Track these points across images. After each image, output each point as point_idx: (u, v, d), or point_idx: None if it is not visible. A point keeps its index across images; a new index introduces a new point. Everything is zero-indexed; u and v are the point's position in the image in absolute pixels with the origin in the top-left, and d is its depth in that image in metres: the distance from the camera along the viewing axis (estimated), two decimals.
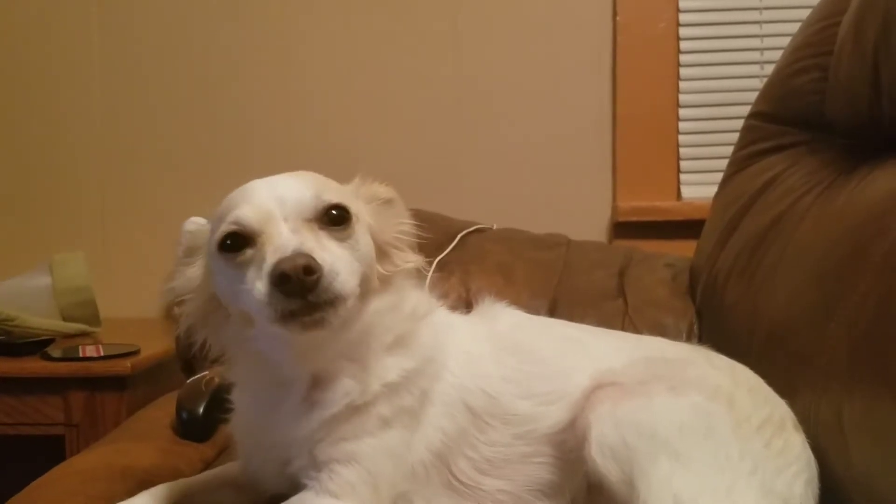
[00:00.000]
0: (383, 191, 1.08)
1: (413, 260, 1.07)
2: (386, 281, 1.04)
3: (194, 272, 1.04)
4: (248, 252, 0.92)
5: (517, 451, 1.06)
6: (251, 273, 0.91)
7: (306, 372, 1.01)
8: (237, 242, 0.93)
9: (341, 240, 0.95)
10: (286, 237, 0.90)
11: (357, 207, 1.00)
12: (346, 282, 0.90)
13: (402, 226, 1.07)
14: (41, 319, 2.07)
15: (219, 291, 0.99)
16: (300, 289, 0.86)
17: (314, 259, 0.87)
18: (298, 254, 0.87)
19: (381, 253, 1.04)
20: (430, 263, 1.15)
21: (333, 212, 0.95)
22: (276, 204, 0.94)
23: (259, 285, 0.88)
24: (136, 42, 2.54)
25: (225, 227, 0.94)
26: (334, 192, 0.98)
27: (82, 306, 2.19)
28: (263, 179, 0.99)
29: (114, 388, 1.85)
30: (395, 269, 1.05)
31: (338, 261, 0.91)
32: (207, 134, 2.52)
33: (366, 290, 0.99)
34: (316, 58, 2.50)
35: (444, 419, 1.05)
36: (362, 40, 2.49)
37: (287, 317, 0.88)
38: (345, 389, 1.00)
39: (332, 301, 0.89)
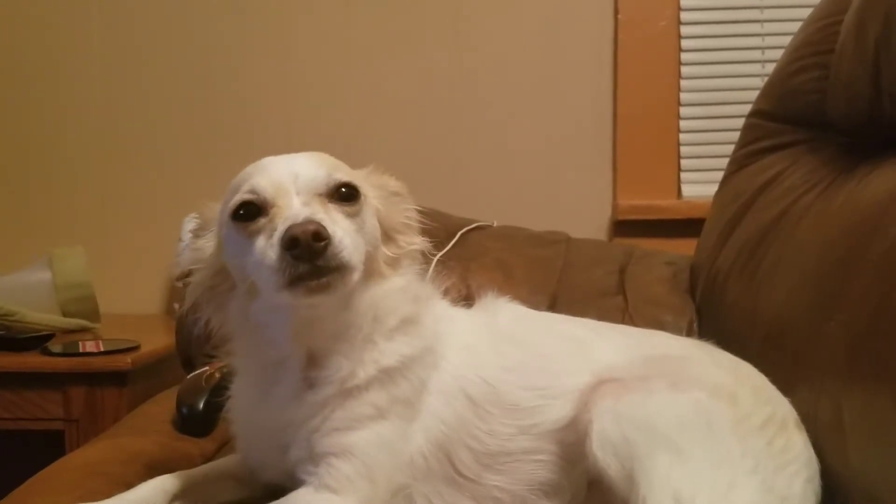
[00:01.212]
0: (393, 183, 1.11)
1: (417, 242, 1.10)
2: (391, 265, 1.07)
3: (205, 244, 1.07)
4: (261, 221, 0.96)
5: (520, 444, 1.06)
6: (261, 241, 0.94)
7: (303, 350, 1.02)
8: (250, 211, 0.97)
9: (349, 216, 0.98)
10: (297, 208, 0.94)
11: (366, 189, 1.04)
12: (352, 253, 0.93)
13: (408, 212, 1.10)
14: (41, 314, 2.07)
15: (228, 260, 1.02)
16: (309, 253, 0.89)
17: (324, 227, 0.90)
18: (309, 220, 0.90)
19: (387, 238, 1.07)
20: (430, 260, 1.16)
21: (343, 189, 0.99)
22: (291, 178, 0.97)
23: (270, 252, 0.91)
24: (136, 37, 2.54)
25: (240, 196, 0.97)
26: (345, 172, 1.02)
27: (82, 301, 2.19)
28: (279, 156, 1.03)
29: (113, 384, 1.86)
30: (400, 252, 1.08)
31: (345, 233, 0.93)
32: (207, 129, 2.52)
33: (369, 270, 1.02)
34: (315, 54, 2.50)
35: (443, 408, 1.05)
36: (362, 36, 2.49)
37: (294, 281, 0.91)
38: (339, 369, 1.01)
39: (339, 268, 0.91)
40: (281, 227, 0.91)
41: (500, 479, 1.06)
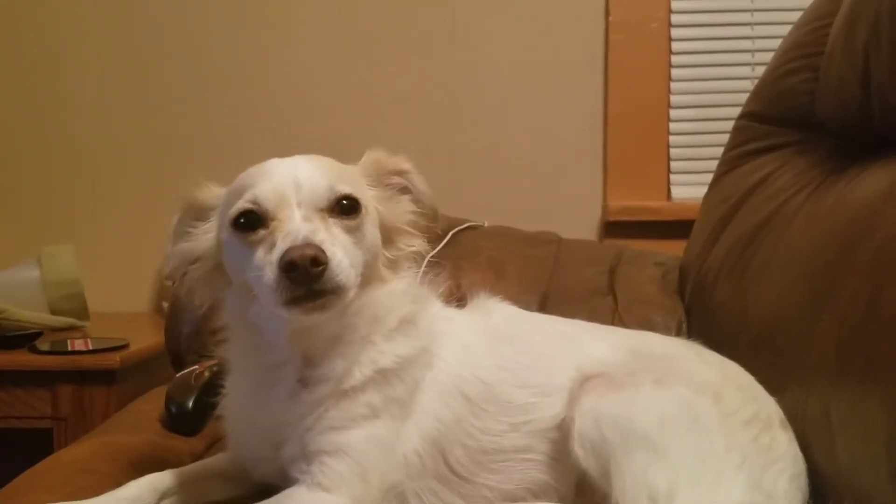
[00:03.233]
0: (393, 162, 1.11)
1: (416, 244, 1.09)
2: (390, 267, 1.07)
3: (204, 238, 1.06)
4: (261, 232, 0.96)
5: (513, 442, 1.07)
6: (261, 252, 0.94)
7: (300, 351, 1.02)
8: (251, 221, 0.97)
9: (349, 230, 0.98)
10: (298, 224, 0.94)
11: (367, 197, 1.03)
12: (349, 274, 0.93)
13: (409, 215, 1.09)
14: (30, 312, 2.07)
15: (227, 264, 1.03)
16: (306, 277, 0.90)
17: (322, 251, 0.90)
18: (308, 244, 0.90)
19: (387, 239, 1.07)
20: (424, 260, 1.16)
21: (344, 202, 0.99)
22: (293, 188, 0.97)
23: (268, 271, 0.92)
24: (129, 34, 2.53)
25: (241, 205, 0.97)
26: (347, 183, 1.01)
27: (71, 300, 2.18)
28: (282, 160, 1.02)
29: (102, 382, 1.85)
30: (399, 254, 1.08)
31: (344, 254, 0.94)
32: (201, 127, 2.51)
33: (368, 277, 1.02)
34: (311, 53, 2.50)
35: (438, 406, 1.06)
36: (357, 35, 2.49)
37: (291, 302, 0.91)
38: (335, 369, 1.01)
39: (335, 290, 0.92)
40: (280, 246, 0.91)
41: (493, 478, 1.06)
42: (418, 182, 1.11)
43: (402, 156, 1.12)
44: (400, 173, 1.10)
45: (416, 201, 1.11)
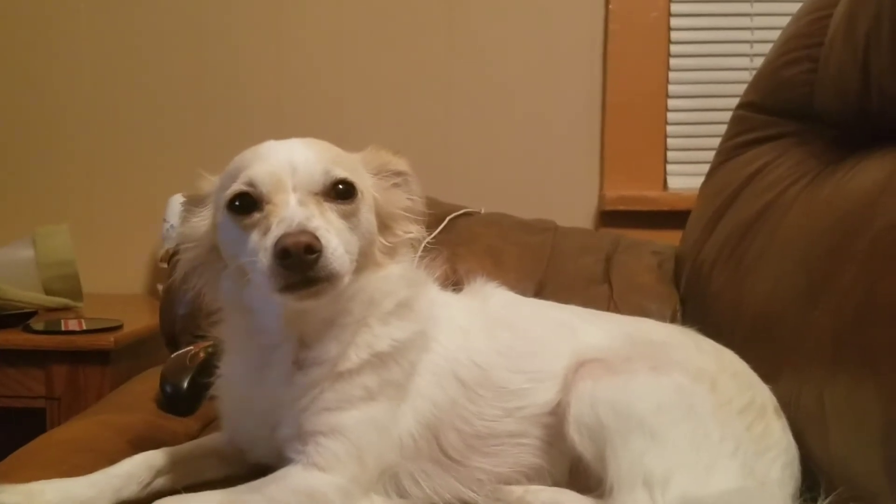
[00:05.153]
0: (395, 162, 1.09)
1: (413, 231, 1.09)
2: (387, 253, 1.06)
3: (200, 221, 1.06)
4: (256, 215, 0.95)
5: (506, 427, 1.07)
6: (255, 236, 0.94)
7: (295, 334, 1.02)
8: (246, 204, 0.96)
9: (345, 215, 0.98)
10: (293, 209, 0.93)
11: (363, 183, 1.02)
12: (343, 261, 0.92)
13: (406, 201, 1.09)
14: (23, 292, 2.06)
15: (222, 246, 1.02)
16: (300, 265, 0.89)
17: (316, 238, 0.90)
18: (302, 231, 0.90)
19: (384, 226, 1.06)
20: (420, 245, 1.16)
21: (340, 186, 0.98)
22: (289, 172, 0.96)
23: (262, 256, 0.91)
24: (126, 16, 2.52)
25: (237, 187, 0.96)
26: (343, 167, 1.00)
27: (65, 280, 2.18)
28: (279, 142, 1.02)
29: (96, 363, 1.85)
30: (396, 241, 1.07)
31: (339, 240, 0.93)
32: (197, 109, 2.50)
33: (363, 262, 1.01)
34: (308, 38, 2.49)
35: (434, 390, 1.06)
36: (354, 22, 2.48)
37: (285, 288, 0.91)
38: (330, 351, 1.02)
39: (329, 277, 0.91)
40: (275, 231, 0.91)
41: (486, 462, 1.07)
42: (415, 185, 1.10)
43: (404, 158, 1.11)
44: (399, 174, 1.09)
45: (410, 200, 1.10)
